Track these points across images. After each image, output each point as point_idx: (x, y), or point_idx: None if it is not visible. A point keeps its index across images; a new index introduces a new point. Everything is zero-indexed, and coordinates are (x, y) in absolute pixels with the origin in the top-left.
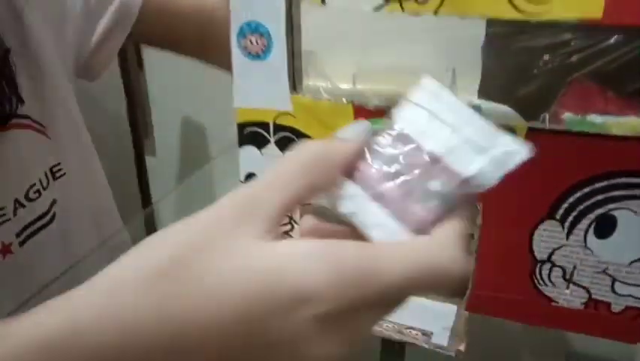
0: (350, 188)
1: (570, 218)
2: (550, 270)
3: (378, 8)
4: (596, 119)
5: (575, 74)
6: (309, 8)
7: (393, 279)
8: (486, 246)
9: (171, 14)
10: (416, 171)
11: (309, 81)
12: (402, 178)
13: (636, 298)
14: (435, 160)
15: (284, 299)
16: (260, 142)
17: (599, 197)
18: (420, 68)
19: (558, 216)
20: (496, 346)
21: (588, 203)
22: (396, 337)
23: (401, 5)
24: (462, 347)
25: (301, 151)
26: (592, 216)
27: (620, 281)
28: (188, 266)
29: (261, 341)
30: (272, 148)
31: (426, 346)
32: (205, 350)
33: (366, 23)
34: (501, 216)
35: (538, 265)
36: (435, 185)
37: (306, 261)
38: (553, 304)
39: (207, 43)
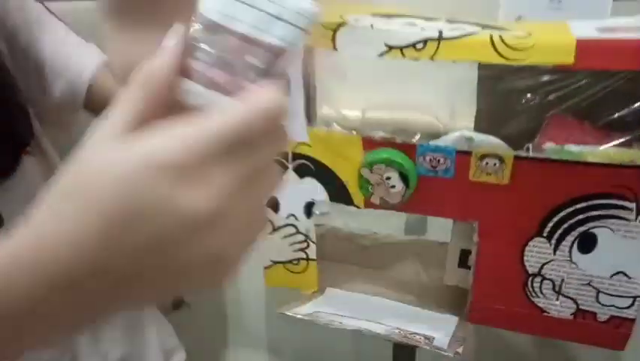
0: (188, 85)
1: (556, 235)
2: (541, 283)
3: (381, 54)
4: (573, 148)
5: (554, 109)
6: (323, 53)
7: (223, 127)
8: (482, 262)
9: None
10: (233, 53)
11: (323, 114)
12: (223, 62)
13: (619, 308)
14: (245, 39)
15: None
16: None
17: (580, 216)
18: (421, 103)
19: (545, 234)
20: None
21: (571, 222)
22: (403, 341)
23: (402, 52)
24: (460, 350)
25: (138, 74)
26: (575, 233)
27: (603, 293)
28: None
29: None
30: (291, 174)
31: (427, 348)
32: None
33: (372, 65)
34: (495, 235)
35: (530, 279)
36: (252, 59)
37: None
38: (545, 314)
39: None
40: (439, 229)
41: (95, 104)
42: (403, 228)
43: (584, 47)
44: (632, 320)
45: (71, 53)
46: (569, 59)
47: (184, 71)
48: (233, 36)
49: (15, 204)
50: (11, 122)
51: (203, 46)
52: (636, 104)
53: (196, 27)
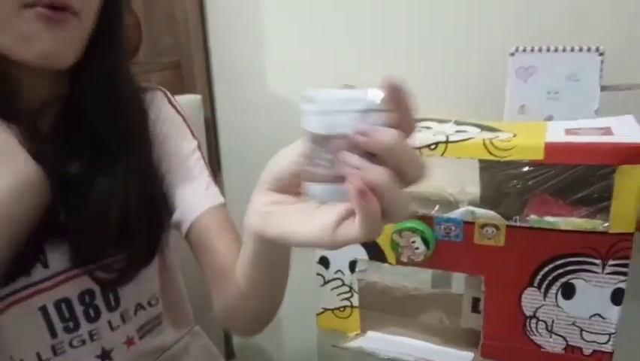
0: (308, 186)
1: (544, 285)
2: (537, 323)
3: None
4: (551, 219)
5: (536, 190)
6: None
7: None
8: (489, 307)
9: (204, 248)
10: (341, 150)
11: None
12: (333, 161)
13: (599, 343)
14: (346, 137)
15: None
16: None
17: (561, 270)
18: (438, 183)
19: (536, 284)
20: None
21: (554, 274)
22: None
23: (420, 150)
24: None
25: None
26: (558, 283)
27: (586, 331)
28: None
29: None
30: None
31: None
32: None
33: None
34: (497, 285)
35: (528, 320)
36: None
37: None
38: (542, 349)
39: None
40: (459, 282)
41: (193, 237)
42: (429, 282)
43: (550, 148)
44: (611, 353)
45: (193, 196)
46: (539, 156)
47: (306, 177)
48: (338, 139)
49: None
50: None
51: (317, 154)
52: (593, 187)
53: (308, 145)
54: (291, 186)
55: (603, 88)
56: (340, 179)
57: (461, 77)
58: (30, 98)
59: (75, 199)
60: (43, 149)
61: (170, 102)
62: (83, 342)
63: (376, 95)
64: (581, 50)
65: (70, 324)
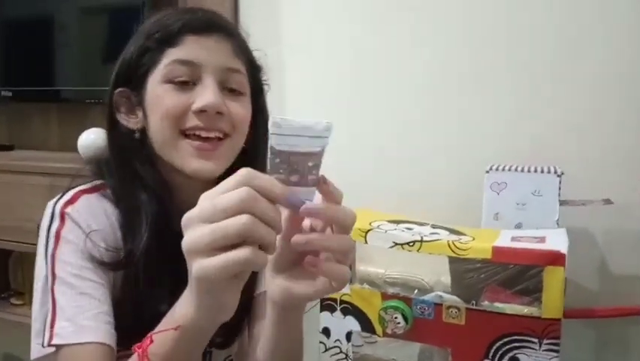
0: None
1: (497, 358)
2: None
3: (391, 247)
4: (499, 305)
5: (488, 282)
6: (360, 243)
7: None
8: None
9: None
10: (300, 163)
11: (359, 276)
12: (295, 170)
13: None
14: (304, 153)
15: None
16: (331, 309)
17: (508, 346)
18: (417, 273)
19: (490, 356)
20: None
21: (504, 349)
22: None
23: (402, 246)
24: None
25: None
26: (507, 357)
27: None
28: None
29: None
30: (337, 313)
31: None
32: None
33: (387, 251)
34: (461, 356)
35: None
36: (310, 162)
37: None
38: None
39: None
40: (439, 357)
41: None
42: (416, 357)
43: (497, 250)
44: None
45: None
46: (488, 256)
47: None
48: (297, 155)
49: None
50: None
51: (281, 166)
52: (529, 281)
53: (273, 158)
54: (287, 261)
55: (562, 203)
56: (296, 184)
57: (447, 189)
58: (185, 198)
59: None
60: None
61: None
62: None
63: (323, 125)
64: (542, 171)
65: None
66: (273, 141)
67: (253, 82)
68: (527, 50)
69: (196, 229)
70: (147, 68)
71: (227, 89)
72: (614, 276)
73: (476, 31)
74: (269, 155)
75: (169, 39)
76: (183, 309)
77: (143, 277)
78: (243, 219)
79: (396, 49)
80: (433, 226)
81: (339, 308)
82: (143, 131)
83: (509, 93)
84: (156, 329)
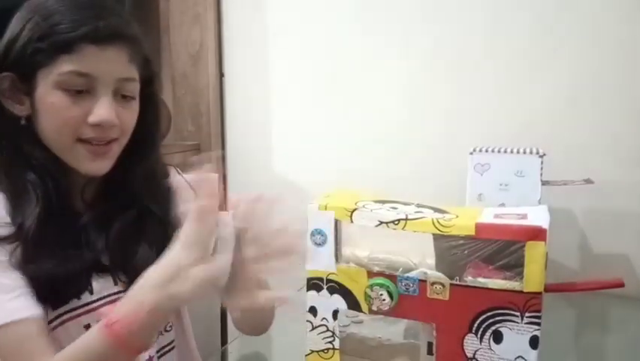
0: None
1: (480, 332)
2: None
3: (376, 226)
4: (482, 280)
5: (471, 258)
6: (345, 223)
7: None
8: (439, 349)
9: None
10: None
11: (345, 255)
12: None
13: None
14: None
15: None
16: (318, 288)
17: (491, 320)
18: (403, 251)
19: (474, 331)
20: None
21: (487, 323)
22: None
23: (387, 225)
24: None
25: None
26: (490, 331)
27: None
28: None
29: None
30: (324, 292)
31: None
32: None
33: (373, 230)
34: (445, 331)
35: None
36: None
37: None
38: None
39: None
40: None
41: None
42: (402, 334)
43: (479, 227)
44: None
45: None
46: (471, 233)
47: None
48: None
49: None
50: None
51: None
52: (511, 257)
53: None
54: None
55: (544, 183)
56: None
57: (433, 171)
58: (78, 179)
59: (115, 246)
60: (96, 211)
61: (180, 175)
62: None
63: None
64: (525, 152)
65: None
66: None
67: (144, 76)
68: (508, 35)
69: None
70: (37, 64)
71: (120, 95)
72: (593, 254)
73: (458, 17)
74: None
75: (66, 45)
76: (152, 297)
77: (38, 249)
78: None
79: (381, 36)
80: (418, 205)
81: (325, 287)
82: (29, 118)
83: (492, 78)
84: (123, 306)
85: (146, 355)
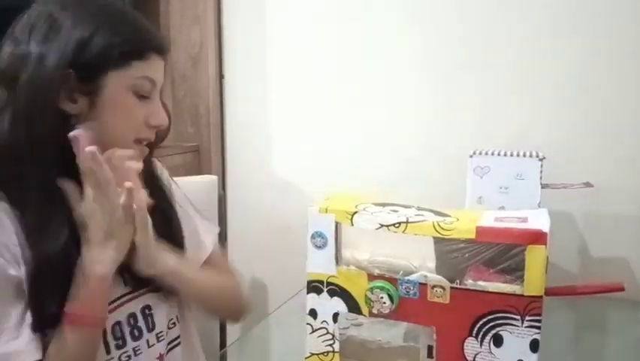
0: None
1: (480, 335)
2: None
3: (377, 229)
4: (482, 283)
5: (471, 261)
6: (346, 225)
7: None
8: (440, 353)
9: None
10: None
11: (345, 259)
12: None
13: None
14: None
15: None
16: (318, 291)
17: (491, 324)
18: (403, 255)
19: (474, 334)
20: None
21: (487, 327)
22: None
23: (388, 228)
24: None
25: None
26: (490, 334)
27: None
28: None
29: None
30: (324, 295)
31: None
32: None
33: (373, 233)
34: (445, 335)
35: None
36: None
37: None
38: None
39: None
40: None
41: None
42: (401, 337)
43: (480, 230)
44: None
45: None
46: (472, 236)
47: None
48: None
49: None
50: None
51: None
52: (511, 260)
53: None
54: None
55: (543, 186)
56: None
57: (433, 173)
58: None
59: None
60: None
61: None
62: (129, 357)
63: None
64: (524, 155)
65: (120, 342)
66: None
67: None
68: (508, 38)
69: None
70: (109, 67)
71: None
72: (592, 257)
73: (458, 19)
74: None
75: (140, 52)
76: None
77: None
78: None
79: (381, 37)
80: (419, 209)
81: (325, 290)
82: (78, 117)
83: (492, 81)
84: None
85: (155, 352)
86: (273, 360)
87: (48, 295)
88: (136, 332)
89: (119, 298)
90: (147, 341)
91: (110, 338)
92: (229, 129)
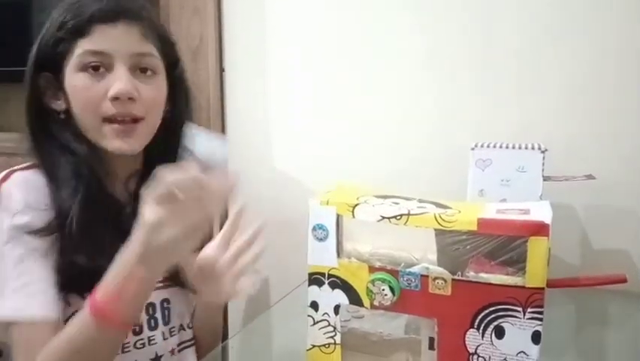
0: None
1: (482, 327)
2: (477, 359)
3: (378, 221)
4: (484, 275)
5: (473, 253)
6: (347, 218)
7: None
8: (441, 345)
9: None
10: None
11: (346, 252)
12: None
13: None
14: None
15: None
16: (319, 283)
17: (492, 315)
18: (404, 246)
19: (475, 326)
20: None
21: (488, 318)
22: None
23: (389, 220)
24: None
25: None
26: (492, 326)
27: None
28: None
29: None
30: (326, 287)
31: None
32: None
33: (375, 225)
34: (447, 327)
35: (470, 357)
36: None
37: None
38: None
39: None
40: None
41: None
42: (402, 329)
43: (481, 222)
44: None
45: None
46: (473, 228)
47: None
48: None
49: None
50: None
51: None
52: (513, 252)
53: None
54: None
55: (545, 178)
56: None
57: (435, 166)
58: (119, 171)
59: None
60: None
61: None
62: (143, 345)
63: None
64: (527, 147)
65: (137, 328)
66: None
67: (166, 58)
68: (510, 31)
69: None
70: (62, 56)
71: (140, 70)
72: (594, 250)
73: (458, 14)
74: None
75: (79, 30)
76: (141, 267)
77: (81, 236)
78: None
79: (382, 33)
80: (420, 201)
81: (327, 282)
82: (67, 111)
83: (494, 73)
84: (109, 283)
85: (169, 346)
86: (275, 352)
87: (75, 251)
88: (152, 322)
89: None
90: (162, 333)
91: None
92: (230, 123)
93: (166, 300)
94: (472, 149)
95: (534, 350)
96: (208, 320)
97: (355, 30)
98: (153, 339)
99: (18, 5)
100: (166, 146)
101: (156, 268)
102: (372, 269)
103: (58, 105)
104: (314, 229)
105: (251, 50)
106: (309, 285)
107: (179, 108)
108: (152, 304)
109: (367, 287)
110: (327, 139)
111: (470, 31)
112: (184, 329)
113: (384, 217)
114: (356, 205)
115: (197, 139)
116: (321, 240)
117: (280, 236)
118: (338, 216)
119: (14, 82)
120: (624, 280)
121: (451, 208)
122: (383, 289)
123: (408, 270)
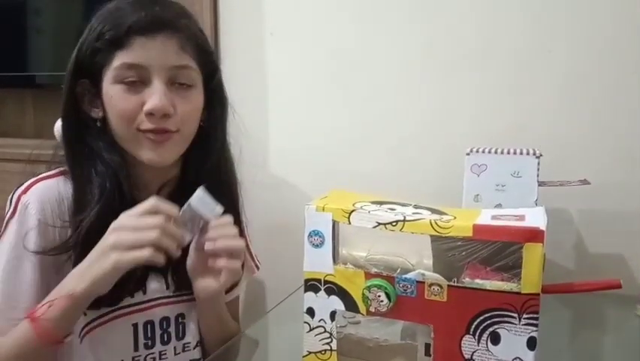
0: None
1: (477, 333)
2: None
3: (374, 227)
4: (479, 281)
5: (468, 259)
6: (343, 224)
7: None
8: (437, 351)
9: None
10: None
11: (342, 258)
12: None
13: None
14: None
15: None
16: (315, 289)
17: (488, 321)
18: (400, 252)
19: (471, 332)
20: None
21: (484, 324)
22: None
23: (385, 226)
24: None
25: None
26: (488, 332)
27: None
28: None
29: None
30: (322, 293)
31: None
32: None
33: (371, 231)
34: (442, 333)
35: None
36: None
37: None
38: None
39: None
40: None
41: None
42: (398, 335)
43: (477, 228)
44: None
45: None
46: (469, 234)
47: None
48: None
49: None
50: None
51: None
52: (509, 258)
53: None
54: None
55: (540, 183)
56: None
57: (429, 171)
58: (151, 180)
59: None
60: None
61: None
62: (154, 359)
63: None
64: (522, 152)
65: (149, 342)
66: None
67: (204, 67)
68: (505, 35)
69: (121, 233)
70: (100, 66)
71: (178, 84)
72: (589, 255)
73: (453, 17)
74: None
75: (117, 42)
76: (75, 283)
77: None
78: (154, 233)
79: (378, 36)
80: (416, 207)
81: (323, 288)
82: (103, 119)
83: (489, 78)
84: (49, 298)
85: (171, 346)
86: (271, 359)
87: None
88: (165, 337)
89: (157, 299)
90: (174, 348)
91: (140, 335)
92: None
93: (181, 315)
94: (468, 154)
95: (529, 355)
96: (207, 320)
97: (351, 39)
98: (164, 354)
99: (12, 10)
100: (202, 154)
101: (88, 288)
102: (368, 275)
103: (96, 113)
104: (310, 235)
105: (247, 55)
106: (305, 291)
107: (215, 117)
108: (166, 319)
109: (363, 293)
110: (322, 144)
111: (466, 36)
112: (197, 347)
113: (380, 223)
114: (352, 211)
115: (198, 193)
116: (317, 246)
117: (276, 242)
118: (334, 223)
119: (9, 87)
120: (619, 286)
121: (446, 214)
122: (379, 296)
123: (404, 276)
